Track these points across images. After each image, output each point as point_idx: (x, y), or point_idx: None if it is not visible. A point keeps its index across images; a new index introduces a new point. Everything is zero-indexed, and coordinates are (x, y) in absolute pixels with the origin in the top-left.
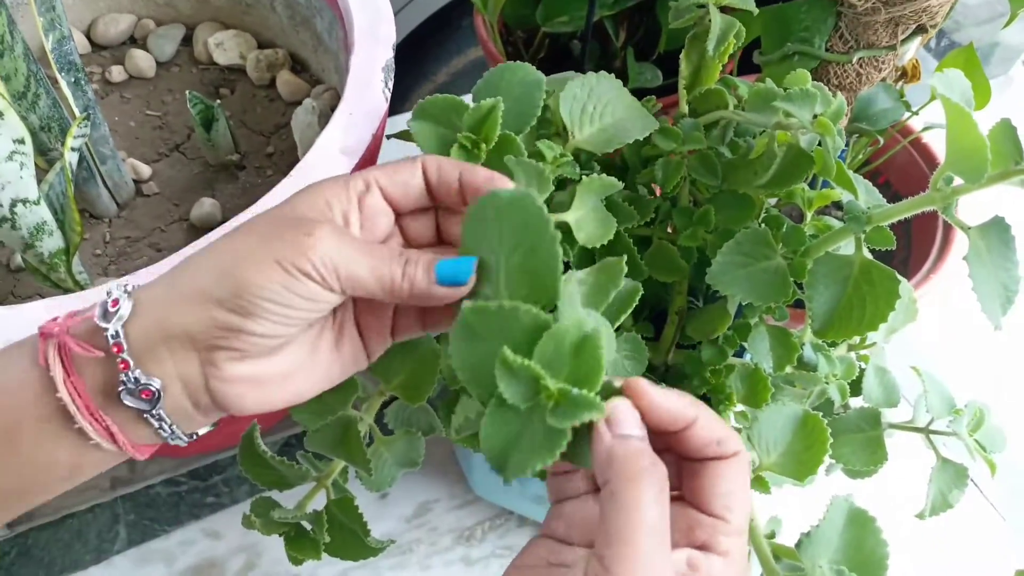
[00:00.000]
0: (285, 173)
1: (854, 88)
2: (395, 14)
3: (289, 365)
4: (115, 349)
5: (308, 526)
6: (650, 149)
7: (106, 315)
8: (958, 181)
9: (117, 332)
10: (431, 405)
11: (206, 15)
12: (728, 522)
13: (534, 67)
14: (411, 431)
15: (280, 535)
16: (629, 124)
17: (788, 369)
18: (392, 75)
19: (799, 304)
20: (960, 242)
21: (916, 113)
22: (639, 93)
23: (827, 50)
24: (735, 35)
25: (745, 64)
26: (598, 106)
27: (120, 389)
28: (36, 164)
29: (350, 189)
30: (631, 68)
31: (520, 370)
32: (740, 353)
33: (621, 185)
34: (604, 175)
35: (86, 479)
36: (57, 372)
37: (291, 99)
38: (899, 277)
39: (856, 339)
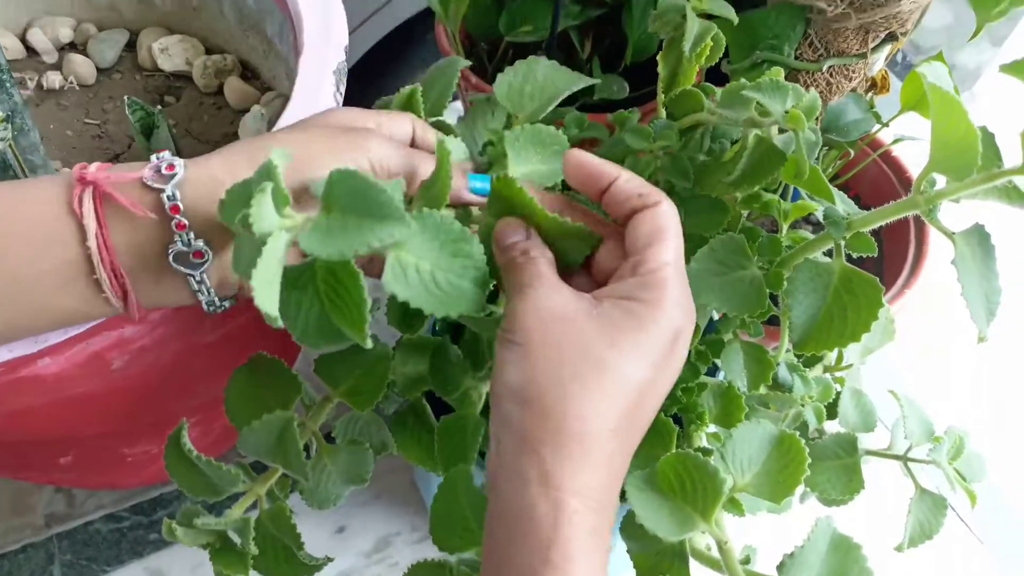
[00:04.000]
0: None
1: (824, 97)
2: (359, 26)
3: None
4: (172, 210)
5: (237, 539)
6: (623, 150)
7: (160, 177)
8: (941, 184)
9: (174, 194)
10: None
11: (151, 20)
12: (652, 249)
13: (463, 59)
14: (357, 441)
15: (204, 547)
16: (563, 86)
17: (763, 389)
18: (344, 78)
19: (773, 321)
20: (934, 256)
21: (886, 125)
22: (606, 105)
23: (797, 58)
24: (714, 40)
25: (714, 77)
26: (535, 87)
27: (171, 251)
28: None
29: (368, 117)
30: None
31: None
32: (713, 373)
33: (562, 138)
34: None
35: (77, 325)
36: (90, 223)
37: (239, 107)
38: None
39: (832, 359)
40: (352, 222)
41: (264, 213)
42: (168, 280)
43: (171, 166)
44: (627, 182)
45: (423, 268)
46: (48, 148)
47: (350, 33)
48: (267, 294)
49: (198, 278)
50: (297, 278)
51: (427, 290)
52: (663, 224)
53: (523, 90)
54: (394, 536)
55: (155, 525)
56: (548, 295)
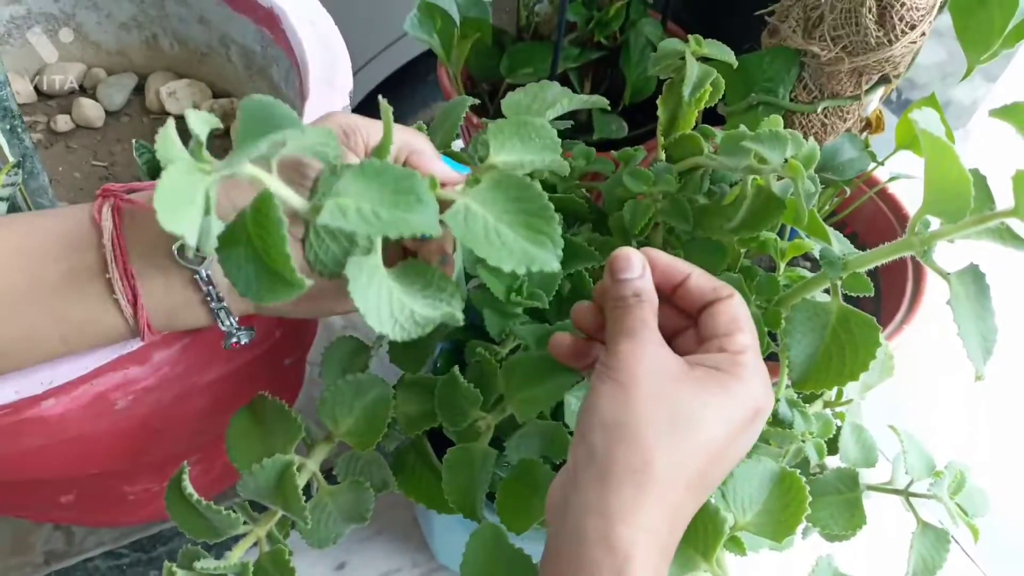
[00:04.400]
0: None
1: (819, 138)
2: (362, 67)
3: None
4: None
5: None
6: (623, 191)
7: None
8: (935, 226)
9: None
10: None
11: (159, 65)
12: (733, 336)
13: (471, 98)
14: (359, 481)
15: None
16: (565, 100)
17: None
18: None
19: (771, 357)
20: (932, 293)
21: (882, 163)
22: (605, 145)
23: (791, 100)
24: (713, 85)
25: (710, 115)
26: (543, 105)
27: (175, 246)
28: None
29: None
30: (596, 119)
31: None
32: None
33: (551, 131)
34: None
35: (81, 349)
36: (107, 224)
37: None
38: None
39: (832, 395)
40: (255, 137)
41: (169, 145)
42: (177, 285)
43: None
44: (699, 278)
45: (364, 208)
46: (56, 190)
47: (354, 74)
48: (170, 212)
49: (204, 276)
50: (233, 233)
51: (366, 222)
52: (739, 314)
53: (530, 108)
54: (395, 572)
55: (155, 562)
56: (654, 346)
